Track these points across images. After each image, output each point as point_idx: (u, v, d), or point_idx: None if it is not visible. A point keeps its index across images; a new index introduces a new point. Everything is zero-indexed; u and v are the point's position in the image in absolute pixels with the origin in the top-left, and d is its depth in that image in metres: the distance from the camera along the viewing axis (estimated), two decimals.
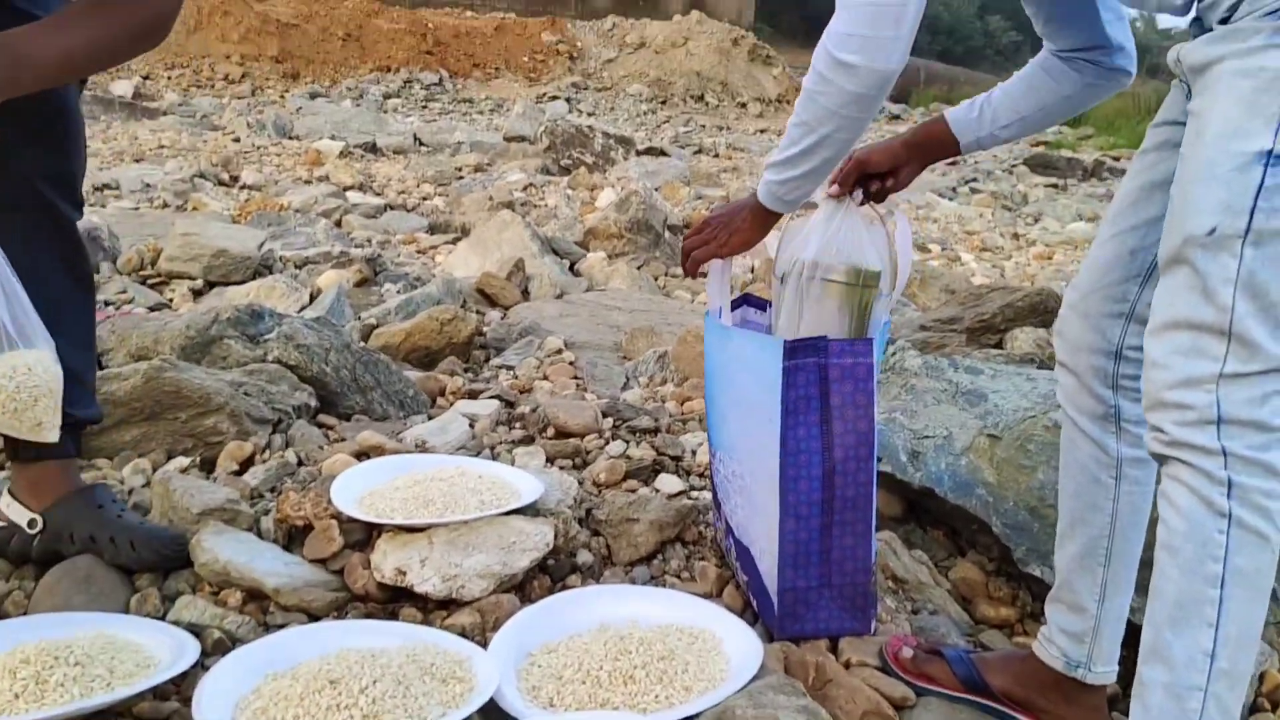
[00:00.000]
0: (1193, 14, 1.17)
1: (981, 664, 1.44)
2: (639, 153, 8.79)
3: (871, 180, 1.61)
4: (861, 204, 1.62)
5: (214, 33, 17.15)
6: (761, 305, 1.76)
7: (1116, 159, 12.35)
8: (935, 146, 1.62)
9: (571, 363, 2.77)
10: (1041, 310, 3.04)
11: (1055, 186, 10.33)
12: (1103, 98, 1.59)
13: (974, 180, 10.07)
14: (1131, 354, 1.31)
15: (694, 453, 2.16)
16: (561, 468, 2.05)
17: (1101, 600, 1.35)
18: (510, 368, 2.75)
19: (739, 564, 1.63)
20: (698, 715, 1.20)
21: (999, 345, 2.96)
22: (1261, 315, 1.07)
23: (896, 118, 17.71)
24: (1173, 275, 1.12)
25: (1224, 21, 1.11)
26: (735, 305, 1.72)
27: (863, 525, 1.54)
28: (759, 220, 1.54)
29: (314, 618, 1.47)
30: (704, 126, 15.16)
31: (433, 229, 4.78)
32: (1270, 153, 1.05)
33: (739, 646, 1.34)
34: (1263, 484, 1.09)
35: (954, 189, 9.34)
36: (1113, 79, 1.54)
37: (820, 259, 1.56)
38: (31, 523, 1.56)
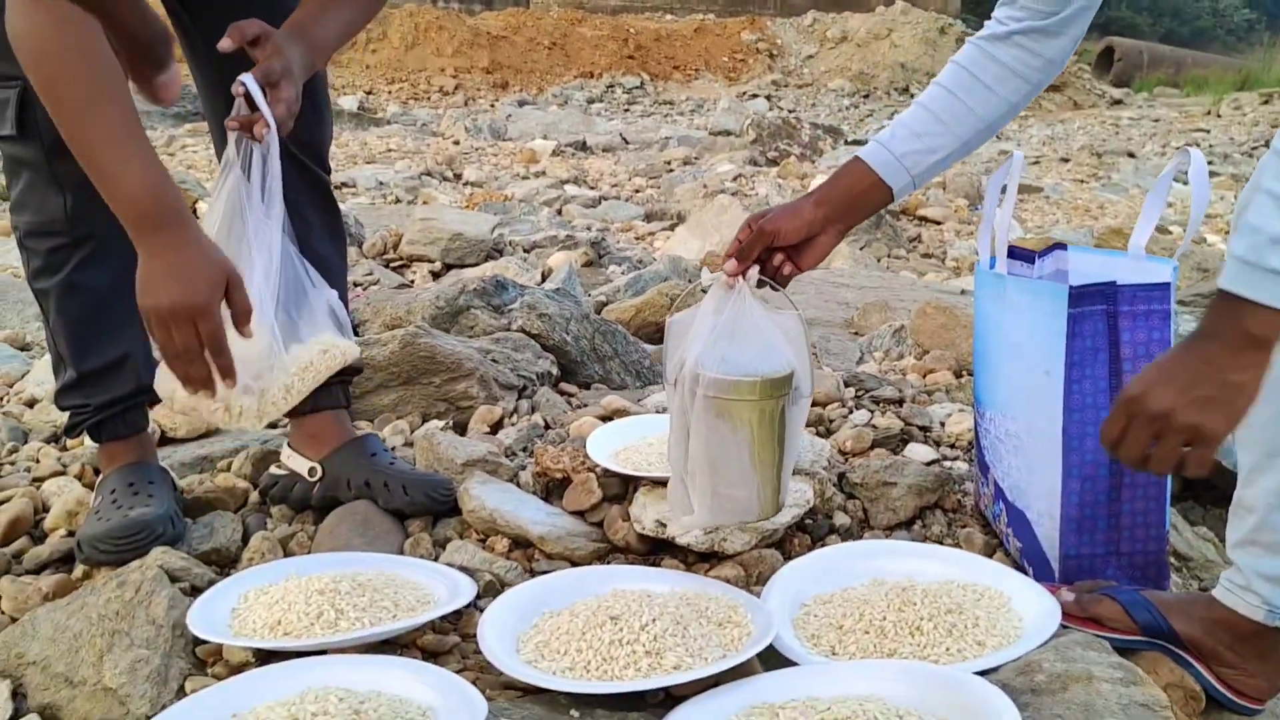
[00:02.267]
0: None
1: (1163, 606, 1.25)
2: (848, 143, 8.62)
3: (776, 254, 1.33)
4: (760, 286, 1.31)
5: (429, 48, 18.02)
6: (1029, 258, 1.66)
7: None
8: (859, 203, 1.35)
9: None
10: None
11: None
12: (1030, 100, 1.39)
13: (1211, 164, 9.36)
14: None
15: (942, 424, 2.07)
16: None
17: None
18: None
19: (1011, 529, 1.53)
20: (995, 669, 1.12)
21: None
22: None
23: (1119, 103, 16.73)
24: None
25: None
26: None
27: (1156, 489, 1.42)
28: (1264, 345, 0.93)
29: (577, 566, 1.48)
30: None
31: (649, 217, 4.83)
32: None
33: (1031, 605, 1.25)
34: None
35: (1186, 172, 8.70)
36: (1048, 72, 1.36)
37: (703, 368, 1.21)
38: (311, 471, 1.65)
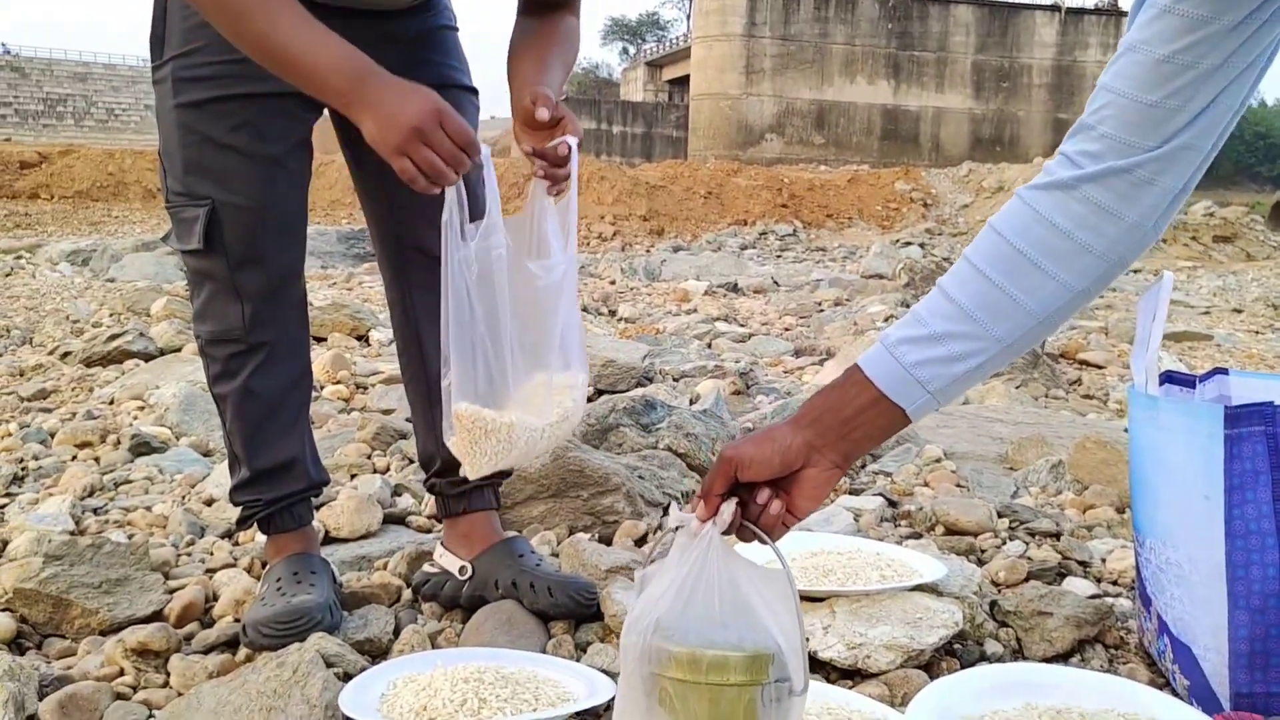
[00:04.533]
0: None
1: None
2: None
3: (760, 490, 1.00)
4: (730, 533, 1.00)
5: (591, 196, 18.89)
6: (1189, 383, 1.62)
7: None
8: (857, 424, 1.00)
9: (953, 471, 2.66)
10: None
11: None
12: (1105, 285, 1.02)
13: None
14: None
15: (1103, 560, 1.98)
16: None
17: None
18: (888, 474, 2.68)
19: (1177, 666, 1.45)
20: None
21: None
22: None
23: None
24: None
25: None
26: (1160, 381, 1.59)
27: None
28: None
29: None
30: None
31: (798, 352, 4.87)
32: None
33: None
34: None
35: None
36: (1132, 244, 0.98)
37: (651, 639, 0.92)
38: (462, 570, 1.70)
